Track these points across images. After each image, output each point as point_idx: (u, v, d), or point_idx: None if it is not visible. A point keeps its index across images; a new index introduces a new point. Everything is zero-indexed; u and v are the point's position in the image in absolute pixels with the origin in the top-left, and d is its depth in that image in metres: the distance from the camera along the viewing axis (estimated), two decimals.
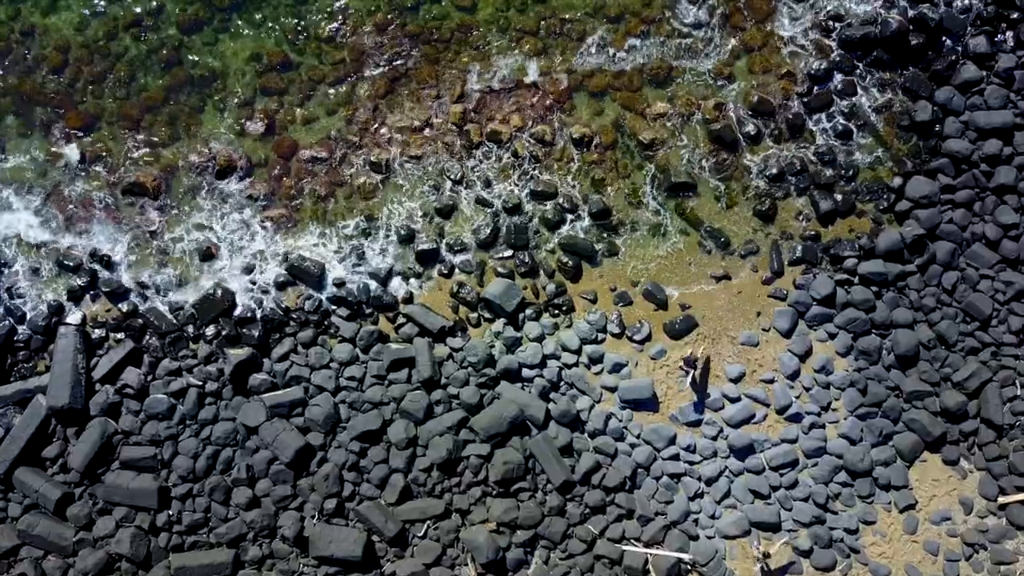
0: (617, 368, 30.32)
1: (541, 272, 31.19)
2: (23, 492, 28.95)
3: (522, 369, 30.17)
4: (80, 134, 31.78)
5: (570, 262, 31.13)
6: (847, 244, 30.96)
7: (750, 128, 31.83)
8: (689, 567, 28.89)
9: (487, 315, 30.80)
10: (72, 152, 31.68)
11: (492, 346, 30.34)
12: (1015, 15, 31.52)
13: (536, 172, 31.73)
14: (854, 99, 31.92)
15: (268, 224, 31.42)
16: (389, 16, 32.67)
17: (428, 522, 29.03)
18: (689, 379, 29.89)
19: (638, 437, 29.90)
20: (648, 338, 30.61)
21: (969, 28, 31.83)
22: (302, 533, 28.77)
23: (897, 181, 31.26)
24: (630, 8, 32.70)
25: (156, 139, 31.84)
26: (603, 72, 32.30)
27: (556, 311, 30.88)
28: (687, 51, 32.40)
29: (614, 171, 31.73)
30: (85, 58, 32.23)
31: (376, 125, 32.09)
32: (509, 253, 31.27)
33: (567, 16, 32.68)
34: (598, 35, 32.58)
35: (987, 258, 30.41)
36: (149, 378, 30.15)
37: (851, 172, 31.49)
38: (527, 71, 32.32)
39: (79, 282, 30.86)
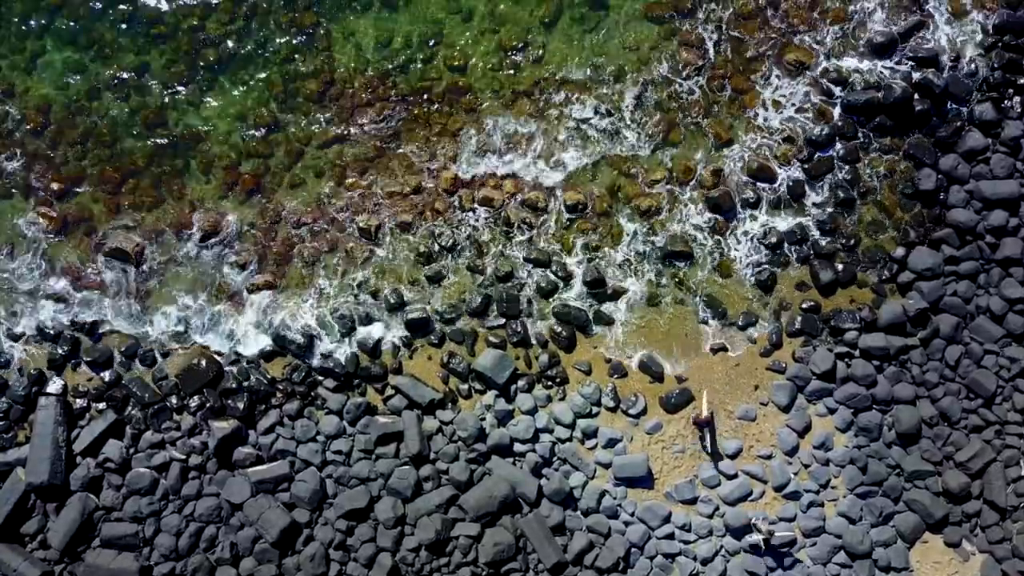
0: (611, 443, 29.59)
1: (534, 342, 30.41)
2: (1, 570, 28.25)
3: (514, 444, 29.44)
4: (61, 197, 30.96)
5: (563, 331, 30.36)
6: (848, 315, 30.14)
7: (749, 195, 31.01)
8: None
9: (478, 386, 30.04)
10: (53, 215, 30.87)
11: (483, 419, 29.60)
12: (1023, 81, 30.66)
13: (529, 239, 30.92)
14: (856, 166, 31.07)
15: (254, 291, 30.61)
16: (378, 76, 31.82)
17: None
18: (707, 442, 29.12)
19: (632, 515, 29.17)
20: (643, 412, 29.84)
21: (975, 94, 30.99)
22: None
23: (900, 251, 30.43)
24: (626, 68, 31.83)
25: (139, 202, 31.03)
26: (598, 135, 31.44)
27: (549, 383, 30.12)
28: (683, 114, 31.55)
29: (609, 238, 30.91)
30: (66, 118, 31.41)
31: (365, 190, 31.27)
32: (501, 322, 30.49)
33: (561, 77, 31.82)
34: (593, 98, 31.73)
35: (992, 333, 29.59)
36: (131, 451, 29.46)
37: (852, 241, 30.67)
38: (520, 134, 31.50)
39: (60, 350, 30.13)
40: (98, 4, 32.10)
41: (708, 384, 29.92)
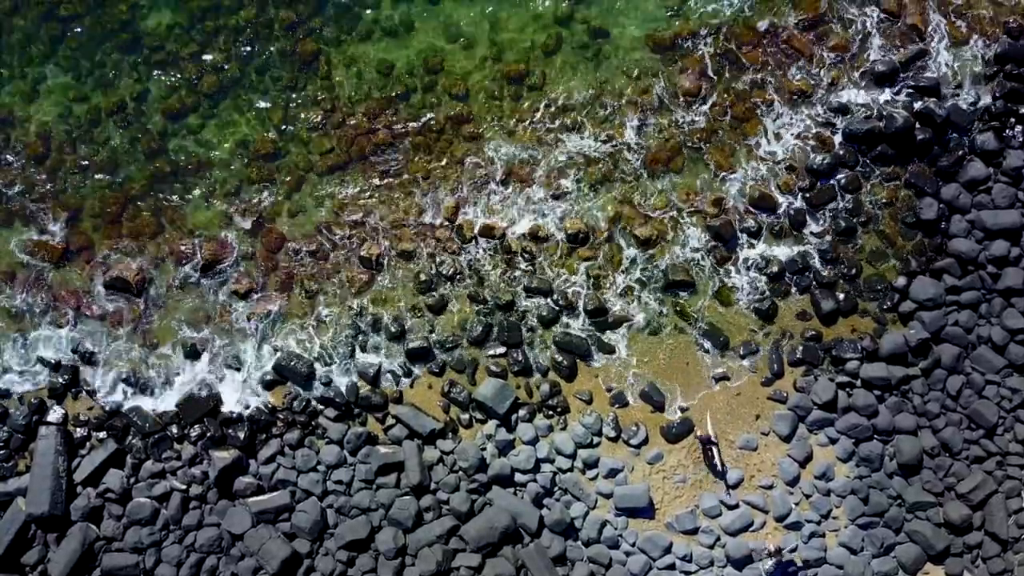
0: (612, 473, 29.55)
1: (535, 371, 30.37)
2: None
3: (515, 474, 29.38)
4: (61, 225, 30.92)
5: (564, 360, 30.32)
6: (849, 345, 30.11)
7: (750, 223, 30.99)
8: None
9: (479, 416, 30.00)
10: (53, 243, 30.82)
11: (484, 449, 29.55)
12: None
13: (530, 268, 30.89)
14: (858, 195, 31.05)
15: (255, 320, 30.58)
16: (380, 105, 31.79)
17: None
18: (716, 461, 29.03)
19: (633, 545, 29.13)
20: (645, 442, 29.80)
21: (977, 123, 30.96)
22: None
23: (901, 281, 30.41)
24: (627, 96, 31.83)
25: (139, 231, 30.99)
26: (599, 163, 31.45)
27: (550, 412, 30.08)
28: (685, 142, 31.54)
29: (610, 267, 30.89)
30: (67, 146, 31.39)
31: (366, 218, 31.23)
32: (502, 351, 30.46)
33: (562, 105, 31.82)
34: (595, 126, 31.72)
35: (993, 363, 29.58)
36: (132, 481, 29.38)
37: (854, 270, 30.63)
38: (521, 161, 31.50)
39: (61, 380, 30.08)
40: (99, 32, 32.04)
41: (710, 413, 29.88)
